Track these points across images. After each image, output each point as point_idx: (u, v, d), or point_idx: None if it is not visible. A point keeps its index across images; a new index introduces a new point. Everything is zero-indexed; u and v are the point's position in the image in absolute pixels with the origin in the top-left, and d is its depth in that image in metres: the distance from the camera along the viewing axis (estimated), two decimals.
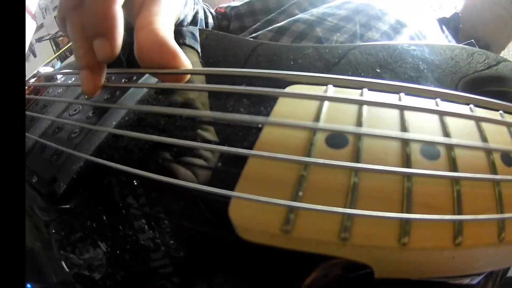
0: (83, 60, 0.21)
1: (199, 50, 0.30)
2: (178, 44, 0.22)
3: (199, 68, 0.22)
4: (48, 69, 0.39)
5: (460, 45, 0.26)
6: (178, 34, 0.31)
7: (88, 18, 0.20)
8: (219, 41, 0.30)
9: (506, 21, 0.58)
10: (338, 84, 0.19)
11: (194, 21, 0.42)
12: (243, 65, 0.27)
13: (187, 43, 0.29)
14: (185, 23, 0.36)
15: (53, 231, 0.22)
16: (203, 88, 0.22)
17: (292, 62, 0.26)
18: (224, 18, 0.52)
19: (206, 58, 0.29)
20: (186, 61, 0.20)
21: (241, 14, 0.51)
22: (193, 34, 0.31)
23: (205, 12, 0.48)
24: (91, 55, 0.20)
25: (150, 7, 0.21)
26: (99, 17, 0.19)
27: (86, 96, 0.26)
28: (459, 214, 0.14)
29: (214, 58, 0.29)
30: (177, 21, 0.33)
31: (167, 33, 0.20)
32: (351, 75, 0.24)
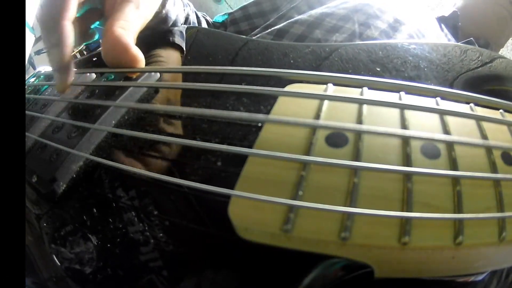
0: (51, 65, 0.26)
1: (184, 47, 0.32)
2: (168, 42, 0.28)
3: (199, 66, 0.22)
4: (48, 69, 0.39)
5: (453, 43, 0.26)
6: (169, 33, 0.33)
7: (43, 33, 0.25)
8: (209, 37, 0.31)
9: (507, 21, 0.58)
10: (338, 82, 0.19)
11: (186, 23, 0.43)
12: (232, 61, 0.27)
13: (175, 41, 0.32)
14: (179, 24, 0.37)
15: (45, 224, 0.22)
16: (203, 88, 0.22)
17: (282, 59, 0.26)
18: (221, 26, 0.53)
19: (197, 54, 0.29)
20: (139, 55, 0.24)
21: (236, 19, 0.52)
22: (181, 33, 0.33)
23: (198, 18, 0.49)
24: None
25: (115, 14, 0.26)
26: (48, 31, 0.24)
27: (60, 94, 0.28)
28: (459, 213, 0.14)
29: (204, 53, 0.29)
30: (168, 22, 0.36)
31: (122, 33, 0.24)
32: (344, 73, 0.24)
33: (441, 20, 0.56)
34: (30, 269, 0.21)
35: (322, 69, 0.24)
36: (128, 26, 0.25)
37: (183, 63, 0.30)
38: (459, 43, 0.25)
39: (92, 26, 0.32)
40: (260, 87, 0.18)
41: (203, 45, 0.30)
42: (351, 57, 0.24)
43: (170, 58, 0.30)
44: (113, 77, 0.27)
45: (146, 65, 0.26)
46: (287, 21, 0.43)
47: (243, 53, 0.27)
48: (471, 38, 0.44)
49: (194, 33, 0.31)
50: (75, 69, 0.26)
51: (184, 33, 0.32)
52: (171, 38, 0.32)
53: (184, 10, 0.41)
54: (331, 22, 0.41)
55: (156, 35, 0.30)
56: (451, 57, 0.24)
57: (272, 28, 0.43)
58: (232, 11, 0.54)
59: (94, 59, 0.32)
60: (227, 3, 1.45)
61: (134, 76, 0.26)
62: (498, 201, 0.15)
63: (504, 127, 0.18)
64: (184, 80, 0.27)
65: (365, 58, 0.24)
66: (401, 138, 0.16)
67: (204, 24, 0.50)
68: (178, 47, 0.32)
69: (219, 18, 0.54)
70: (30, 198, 0.23)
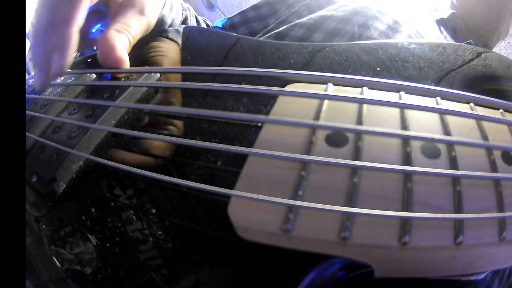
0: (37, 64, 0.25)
1: (179, 43, 0.32)
2: (161, 36, 0.31)
3: (202, 67, 0.22)
4: None
5: (444, 41, 0.26)
6: (163, 31, 0.34)
7: (43, 33, 0.25)
8: (202, 35, 0.31)
9: (498, 9, 0.58)
10: (338, 82, 0.19)
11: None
12: (224, 58, 0.27)
13: (169, 37, 0.33)
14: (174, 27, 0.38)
15: (44, 226, 0.21)
16: (203, 87, 0.22)
17: (275, 53, 0.26)
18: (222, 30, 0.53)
19: (190, 52, 0.30)
20: (123, 59, 0.25)
21: (234, 23, 0.53)
22: (176, 30, 0.34)
23: (198, 22, 0.49)
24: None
25: (117, 17, 0.27)
26: (52, 33, 0.24)
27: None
28: (459, 213, 0.14)
29: (197, 51, 0.29)
30: (163, 26, 0.37)
31: (114, 35, 0.25)
32: (337, 69, 0.24)
33: (440, 22, 0.56)
34: (30, 271, 0.21)
35: (314, 64, 0.24)
36: (126, 30, 0.26)
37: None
38: (451, 42, 0.26)
39: (94, 29, 0.32)
40: (260, 87, 0.18)
41: (196, 43, 0.30)
42: (342, 53, 0.24)
43: (170, 50, 0.31)
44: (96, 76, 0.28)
45: (146, 57, 0.26)
46: (288, 25, 0.43)
47: (236, 49, 0.27)
48: (470, 41, 0.44)
49: (187, 32, 0.32)
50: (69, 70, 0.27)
51: (181, 30, 0.33)
52: (164, 34, 0.33)
53: (182, 14, 0.42)
54: (331, 24, 0.41)
55: (149, 34, 0.31)
56: (442, 51, 0.24)
57: (272, 32, 0.43)
58: (230, 16, 0.54)
59: (88, 60, 0.32)
60: (219, 10, 1.46)
61: (121, 77, 0.27)
62: (498, 201, 0.15)
63: (504, 126, 0.18)
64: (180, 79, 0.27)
65: (356, 54, 0.24)
66: (401, 138, 0.16)
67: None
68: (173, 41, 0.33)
69: (218, 23, 0.55)
70: (29, 200, 0.23)
